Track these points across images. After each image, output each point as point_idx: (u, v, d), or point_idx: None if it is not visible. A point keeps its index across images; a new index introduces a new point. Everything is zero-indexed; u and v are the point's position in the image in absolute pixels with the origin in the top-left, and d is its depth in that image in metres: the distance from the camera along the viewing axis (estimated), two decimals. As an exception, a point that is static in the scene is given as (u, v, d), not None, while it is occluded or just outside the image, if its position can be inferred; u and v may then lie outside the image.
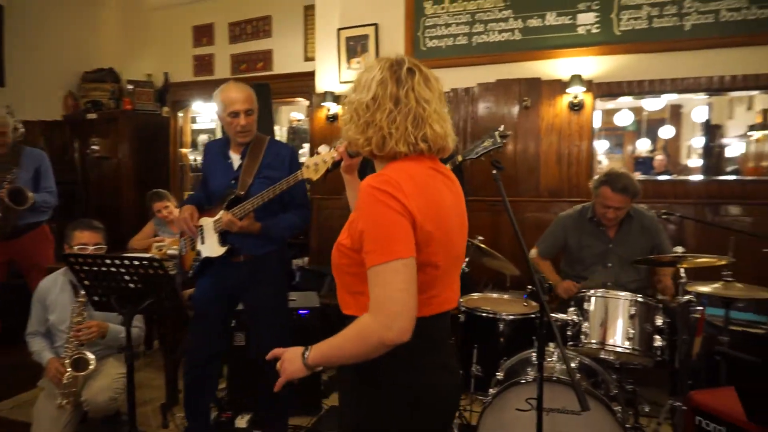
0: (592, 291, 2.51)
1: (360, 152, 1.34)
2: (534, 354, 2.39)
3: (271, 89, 4.29)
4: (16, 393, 3.38)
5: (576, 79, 3.74)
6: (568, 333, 2.48)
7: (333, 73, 4.55)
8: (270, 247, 2.51)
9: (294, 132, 6.47)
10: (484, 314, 2.69)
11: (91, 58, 6.14)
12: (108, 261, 2.11)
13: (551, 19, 3.89)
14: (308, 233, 4.57)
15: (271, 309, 2.54)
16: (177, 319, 3.09)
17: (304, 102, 5.43)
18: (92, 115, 5.87)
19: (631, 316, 2.40)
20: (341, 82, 4.52)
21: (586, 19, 3.80)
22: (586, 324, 2.45)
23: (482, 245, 2.83)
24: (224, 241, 2.46)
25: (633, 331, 2.39)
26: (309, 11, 5.43)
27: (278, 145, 2.63)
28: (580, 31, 3.83)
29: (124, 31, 6.33)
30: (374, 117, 1.24)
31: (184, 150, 6.00)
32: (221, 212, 2.42)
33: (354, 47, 4.42)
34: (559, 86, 3.88)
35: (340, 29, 4.45)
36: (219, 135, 6.18)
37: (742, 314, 3.04)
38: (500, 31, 4.03)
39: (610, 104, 5.09)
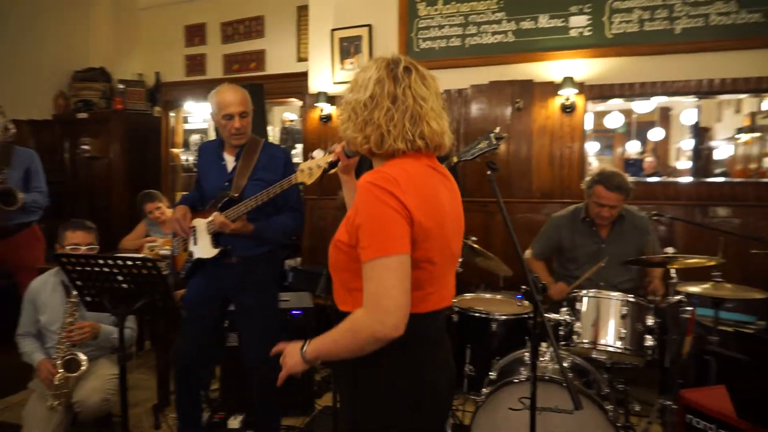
0: (584, 291, 2.54)
1: (358, 151, 1.35)
2: (526, 353, 2.41)
3: (264, 90, 4.28)
4: (7, 395, 3.35)
5: (568, 81, 3.77)
6: (561, 333, 2.50)
7: (326, 74, 4.55)
8: (263, 248, 2.50)
9: (287, 132, 6.46)
10: (477, 314, 2.71)
11: (82, 57, 6.09)
12: (101, 261, 2.10)
13: (544, 21, 3.92)
14: (301, 234, 4.57)
15: (263, 310, 2.53)
16: (170, 319, 3.07)
17: (297, 102, 5.43)
18: (83, 115, 5.82)
19: (623, 316, 2.43)
20: (335, 83, 4.52)
21: (579, 22, 3.84)
22: (578, 324, 2.47)
23: (475, 245, 2.85)
24: (217, 243, 2.46)
25: (624, 331, 2.42)
26: (302, 12, 5.44)
27: (273, 147, 2.63)
28: (573, 33, 3.86)
29: (116, 31, 6.29)
30: (372, 115, 1.25)
31: (175, 150, 5.97)
32: (214, 214, 2.42)
33: (347, 48, 4.43)
34: (551, 88, 3.91)
35: (333, 30, 4.46)
36: (211, 135, 6.17)
37: (730, 314, 3.08)
38: (493, 33, 4.05)
39: (601, 106, 5.14)
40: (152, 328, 3.75)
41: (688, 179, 5.45)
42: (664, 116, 7.25)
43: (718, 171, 6.19)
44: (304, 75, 4.77)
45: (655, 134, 7.16)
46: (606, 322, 2.46)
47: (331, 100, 4.50)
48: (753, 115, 5.61)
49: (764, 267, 3.09)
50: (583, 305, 2.50)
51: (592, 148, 4.22)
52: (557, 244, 3.05)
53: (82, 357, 2.52)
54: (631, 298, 2.48)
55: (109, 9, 6.26)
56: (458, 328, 2.75)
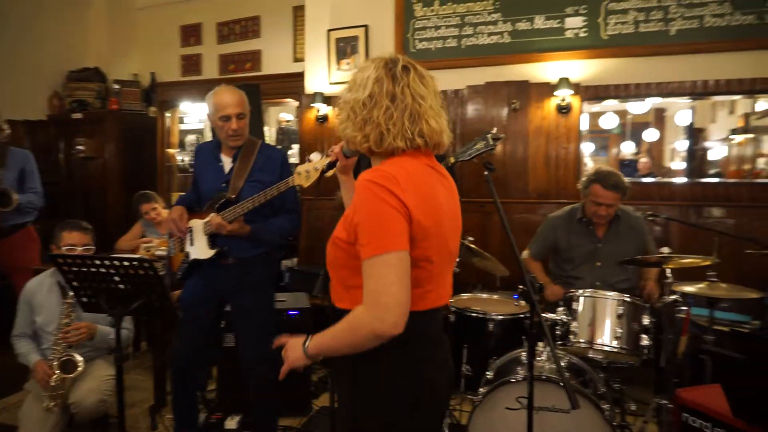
0: (580, 291, 2.55)
1: (358, 149, 1.35)
2: (523, 353, 2.42)
3: (261, 90, 4.28)
4: (3, 396, 3.33)
5: (564, 82, 3.78)
6: (557, 332, 2.51)
7: (323, 74, 4.56)
8: (259, 250, 2.50)
9: (283, 133, 6.46)
10: (474, 314, 2.71)
11: (77, 57, 6.06)
12: (97, 262, 2.09)
13: (540, 22, 3.94)
14: (298, 234, 4.57)
15: (260, 311, 2.53)
16: (167, 320, 3.07)
17: (293, 103, 5.42)
18: (78, 115, 5.79)
19: (619, 316, 2.44)
20: (331, 83, 4.52)
21: (574, 23, 3.85)
22: (574, 323, 2.49)
23: (472, 245, 2.85)
24: (213, 244, 2.46)
25: (621, 331, 2.43)
26: (298, 12, 5.43)
27: (270, 149, 2.63)
28: (568, 34, 3.88)
29: (111, 30, 6.26)
30: (371, 114, 1.26)
31: (171, 150, 5.96)
32: (211, 215, 2.42)
33: (344, 48, 4.43)
34: (547, 89, 3.92)
35: (329, 30, 4.46)
36: (207, 135, 6.15)
37: (725, 314, 3.10)
38: (489, 34, 4.07)
39: (596, 107, 5.16)
40: (149, 329, 3.74)
41: (682, 180, 5.48)
42: (659, 117, 7.28)
43: (712, 172, 6.23)
44: (300, 75, 4.77)
45: (650, 135, 7.19)
46: (602, 322, 2.47)
47: (328, 100, 4.50)
48: (747, 117, 5.65)
49: (758, 267, 3.11)
50: (580, 305, 2.52)
51: (587, 148, 4.23)
52: (553, 245, 3.06)
53: (79, 358, 2.51)
54: (627, 297, 2.49)
55: (104, 9, 6.23)
56: (455, 327, 2.75)
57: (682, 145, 6.84)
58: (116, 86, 5.97)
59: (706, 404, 1.92)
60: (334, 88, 4.51)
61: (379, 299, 1.15)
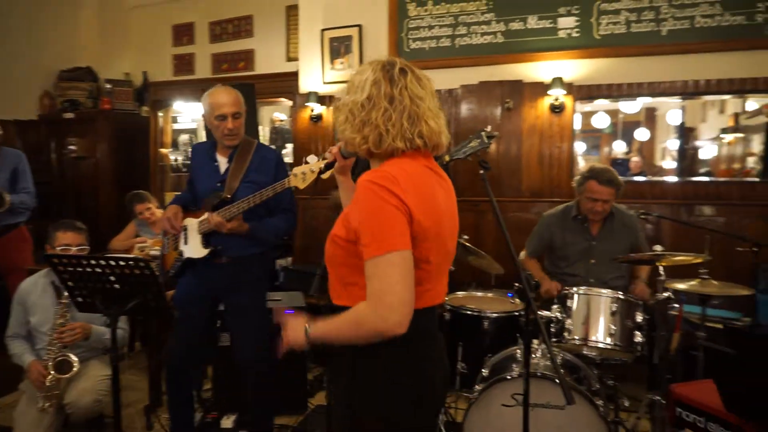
0: (575, 288, 2.57)
1: (357, 151, 1.36)
2: (518, 351, 2.44)
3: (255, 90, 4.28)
4: (-4, 397, 3.32)
5: (557, 81, 3.81)
6: (552, 330, 2.53)
7: (317, 74, 4.56)
8: (254, 249, 2.51)
9: (276, 132, 6.46)
10: (469, 312, 2.73)
11: (68, 56, 6.02)
12: (93, 262, 2.09)
13: (533, 22, 3.96)
14: (293, 233, 4.57)
15: (253, 311, 2.54)
16: (162, 320, 3.06)
17: (286, 102, 5.42)
18: (69, 115, 5.76)
19: (613, 313, 2.47)
20: (325, 83, 4.53)
21: (567, 23, 3.88)
22: (569, 321, 2.51)
23: (467, 244, 2.87)
24: (207, 243, 2.46)
25: (615, 328, 2.45)
26: (291, 11, 5.43)
27: (265, 149, 2.64)
28: (561, 34, 3.91)
29: (102, 30, 6.23)
30: (370, 116, 1.27)
31: (164, 150, 5.94)
32: (207, 214, 2.42)
33: (338, 48, 4.43)
34: (540, 88, 3.95)
35: (323, 30, 4.46)
36: (201, 135, 6.15)
37: (717, 311, 3.13)
38: (483, 34, 4.09)
39: (588, 107, 5.20)
40: (143, 329, 3.73)
41: (673, 179, 5.54)
42: (650, 116, 7.34)
43: (702, 170, 6.29)
44: (293, 75, 4.77)
45: (641, 134, 7.25)
46: (596, 319, 2.49)
47: (322, 99, 4.51)
48: (737, 116, 5.72)
49: (749, 264, 3.15)
50: (574, 302, 2.54)
51: (579, 148, 4.27)
52: (549, 243, 3.09)
53: (74, 358, 2.50)
54: (620, 295, 2.52)
55: (96, 8, 6.20)
56: (451, 326, 2.76)
57: (673, 144, 6.91)
58: (108, 86, 5.94)
59: (699, 399, 1.94)
60: (328, 88, 4.52)
61: (384, 298, 1.16)
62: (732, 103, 5.67)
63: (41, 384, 2.45)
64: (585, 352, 2.51)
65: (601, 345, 2.47)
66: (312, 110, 4.53)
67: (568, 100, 3.91)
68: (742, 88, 3.66)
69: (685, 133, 6.57)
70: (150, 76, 6.08)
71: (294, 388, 3.11)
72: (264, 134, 6.42)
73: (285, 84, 5.06)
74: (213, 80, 5.12)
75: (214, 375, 3.14)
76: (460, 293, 3.07)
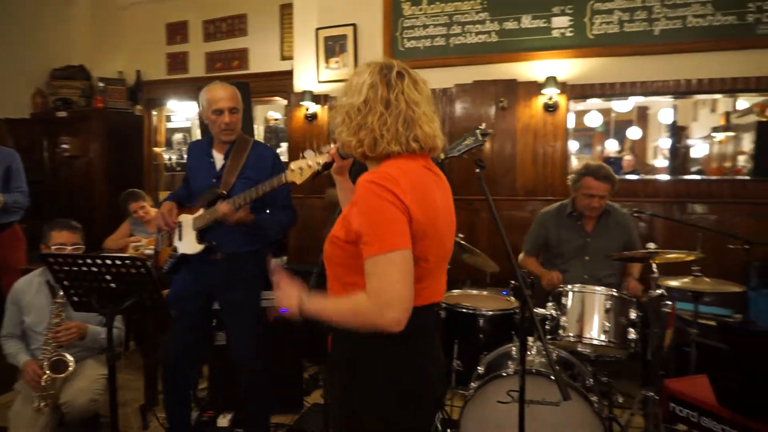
0: (569, 286, 2.59)
1: (352, 154, 1.37)
2: (513, 348, 2.46)
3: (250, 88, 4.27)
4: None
5: (551, 80, 3.83)
6: (547, 327, 2.55)
7: (311, 73, 4.56)
8: (249, 246, 2.51)
9: (271, 131, 6.44)
10: (464, 310, 2.74)
11: (61, 54, 5.99)
12: (89, 261, 2.08)
13: (527, 22, 3.98)
14: (288, 232, 4.57)
15: (247, 308, 2.54)
16: (158, 319, 3.06)
17: (280, 101, 5.42)
18: (62, 114, 5.73)
19: (607, 310, 2.49)
20: (320, 82, 4.53)
21: (561, 23, 3.91)
22: (564, 318, 2.53)
23: (462, 242, 2.89)
24: (202, 239, 2.46)
25: (609, 325, 2.48)
26: (285, 10, 5.43)
27: (261, 146, 2.65)
28: (555, 34, 3.93)
29: (95, 28, 6.20)
30: (366, 120, 1.28)
31: (158, 149, 5.91)
32: (201, 210, 2.42)
33: (332, 47, 4.44)
34: (534, 88, 3.97)
35: (318, 29, 4.46)
36: (195, 134, 6.12)
37: (709, 308, 3.17)
38: (477, 33, 4.10)
39: (580, 106, 5.23)
40: (137, 329, 3.72)
41: (665, 177, 5.58)
42: (642, 115, 7.40)
43: (694, 169, 6.35)
44: (287, 73, 4.77)
45: (633, 133, 7.31)
46: (591, 316, 2.51)
47: (317, 98, 4.51)
48: (728, 115, 5.77)
49: (740, 262, 3.18)
50: (569, 300, 2.56)
51: (572, 146, 4.30)
52: (545, 240, 3.11)
53: (70, 358, 2.49)
54: (614, 292, 2.54)
55: (89, 6, 6.17)
56: (446, 324, 2.78)
57: (665, 142, 6.96)
58: (101, 84, 5.91)
59: (692, 394, 1.97)
60: (323, 87, 4.52)
61: (384, 295, 1.17)
62: (723, 102, 5.73)
63: (36, 384, 2.45)
64: (579, 349, 2.53)
65: (595, 342, 2.49)
66: (307, 109, 4.53)
67: (561, 99, 3.93)
68: (733, 87, 3.69)
69: (677, 131, 6.63)
70: (143, 75, 6.06)
71: (290, 386, 3.12)
72: (259, 133, 6.40)
73: (279, 83, 5.05)
74: (207, 79, 5.09)
75: (210, 374, 3.13)
76: (456, 291, 3.09)
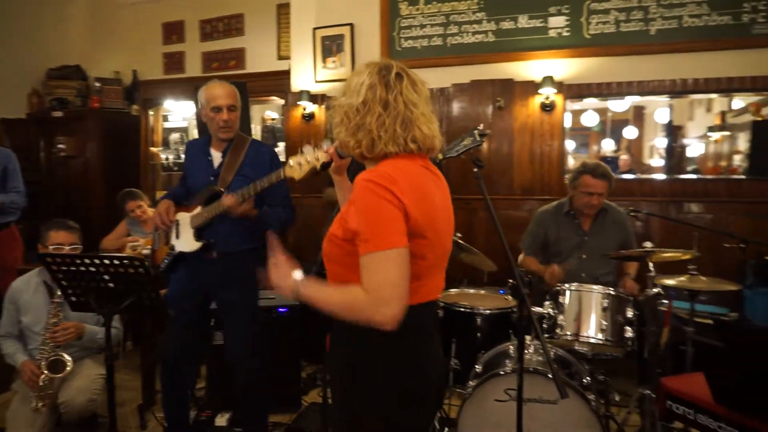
0: (566, 285, 2.60)
1: (350, 154, 1.38)
2: (511, 346, 2.47)
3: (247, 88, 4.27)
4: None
5: (548, 80, 3.84)
6: (544, 326, 2.56)
7: (309, 72, 4.56)
8: (245, 245, 2.51)
9: (268, 131, 6.44)
10: (462, 309, 2.75)
11: (56, 54, 5.97)
12: (87, 261, 2.08)
13: (523, 21, 4.00)
14: (286, 231, 4.57)
15: (244, 307, 2.54)
16: (156, 319, 3.06)
17: (277, 101, 5.42)
18: (58, 113, 5.71)
19: (604, 309, 2.50)
20: (317, 81, 4.53)
21: (557, 23, 3.92)
22: (561, 317, 2.54)
23: (460, 241, 2.89)
24: (200, 236, 2.46)
25: (606, 323, 2.49)
26: (282, 10, 5.42)
27: (259, 144, 2.65)
28: (552, 34, 3.94)
29: (91, 28, 6.18)
30: (364, 120, 1.29)
31: (155, 149, 5.90)
32: (199, 208, 2.43)
33: (329, 47, 4.44)
34: (531, 87, 3.98)
35: (315, 29, 4.46)
36: (192, 134, 6.11)
37: (705, 306, 3.19)
38: (474, 33, 4.11)
39: (577, 105, 5.25)
40: (135, 329, 3.72)
41: (661, 176, 5.61)
42: (638, 115, 7.42)
43: (690, 168, 6.38)
44: (285, 73, 4.77)
45: (630, 132, 7.33)
46: (588, 315, 2.52)
47: (314, 98, 4.51)
48: (723, 114, 5.80)
49: (736, 261, 3.20)
50: (566, 299, 2.57)
51: (569, 145, 4.32)
52: (543, 238, 3.12)
53: (68, 358, 2.50)
54: (611, 291, 2.55)
55: (85, 5, 6.15)
56: (444, 323, 2.78)
57: (661, 142, 6.98)
58: (97, 84, 5.89)
59: (688, 392, 1.99)
60: (320, 86, 4.52)
61: (380, 291, 1.17)
62: (719, 101, 5.76)
63: (34, 384, 2.45)
64: (576, 348, 2.54)
65: (592, 340, 2.50)
66: (304, 109, 4.53)
67: (558, 99, 3.94)
68: (729, 86, 3.72)
69: (673, 131, 6.65)
70: (140, 75, 6.04)
71: (288, 385, 3.12)
72: (256, 133, 6.40)
73: (276, 82, 5.06)
74: (204, 79, 5.09)
75: (208, 374, 3.14)
76: (453, 290, 3.09)
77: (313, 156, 1.78)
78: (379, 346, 1.26)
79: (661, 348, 2.55)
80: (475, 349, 2.64)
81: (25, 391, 2.51)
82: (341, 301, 1.24)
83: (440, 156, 2.55)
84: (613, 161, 6.70)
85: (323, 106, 4.52)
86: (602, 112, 7.08)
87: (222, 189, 2.43)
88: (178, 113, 6.30)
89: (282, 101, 5.06)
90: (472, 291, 3.10)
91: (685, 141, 6.67)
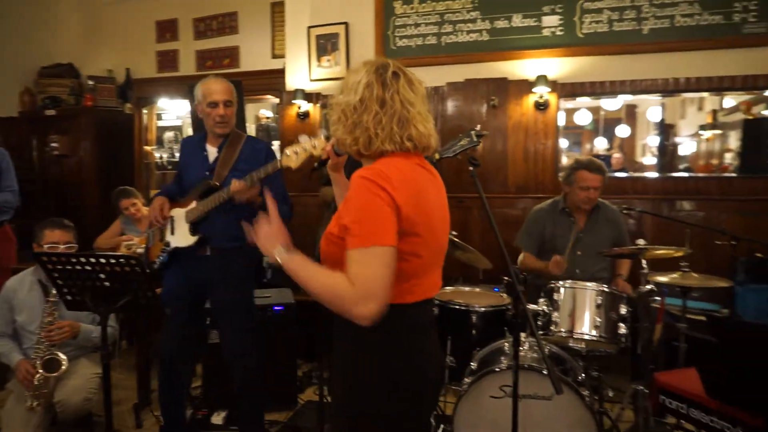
0: (561, 282, 2.63)
1: (347, 151, 1.39)
2: (506, 343, 2.48)
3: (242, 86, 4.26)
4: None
5: (541, 79, 3.86)
6: (539, 322, 2.58)
7: (303, 71, 4.56)
8: (239, 242, 2.51)
9: (262, 129, 6.43)
10: (456, 307, 2.76)
11: (49, 52, 5.93)
12: (83, 259, 2.08)
13: (517, 20, 4.01)
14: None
15: (239, 305, 2.55)
16: (152, 317, 3.05)
17: (272, 99, 5.41)
18: (51, 112, 5.67)
19: (598, 306, 2.52)
20: (312, 80, 4.53)
21: (551, 22, 3.94)
22: (555, 314, 2.56)
23: (455, 239, 2.91)
24: (195, 231, 2.47)
25: (600, 320, 2.51)
26: (276, 8, 5.41)
27: (255, 140, 2.68)
28: (545, 33, 3.96)
29: (84, 25, 6.14)
30: (361, 118, 1.30)
31: (148, 147, 5.88)
32: (194, 203, 2.43)
33: (324, 45, 4.44)
34: (525, 86, 4.00)
35: (310, 27, 4.46)
36: (186, 132, 6.09)
37: (697, 303, 3.22)
38: (468, 32, 4.13)
39: (570, 104, 5.27)
40: (130, 328, 3.71)
41: (654, 174, 5.64)
42: (631, 113, 7.46)
43: (682, 166, 6.42)
44: (279, 72, 4.76)
45: (622, 131, 7.37)
46: (582, 312, 2.54)
47: (309, 97, 4.51)
48: (715, 113, 5.84)
49: (727, 257, 3.24)
50: (561, 296, 2.59)
51: (562, 144, 4.34)
52: (540, 236, 3.14)
53: (63, 357, 2.49)
54: (605, 288, 2.57)
55: (77, 3, 6.11)
56: (439, 320, 2.79)
57: (654, 140, 7.03)
58: (90, 82, 5.86)
59: (681, 386, 2.01)
60: (315, 85, 4.52)
61: (365, 285, 1.17)
62: (710, 100, 5.80)
63: (29, 383, 2.44)
64: (571, 344, 2.57)
65: (586, 337, 2.52)
66: (299, 107, 4.53)
67: (552, 98, 3.97)
68: (720, 85, 3.75)
69: (665, 129, 6.70)
70: (133, 73, 6.01)
71: (284, 383, 3.13)
72: (251, 131, 6.39)
73: (271, 81, 5.05)
74: (198, 77, 5.08)
75: (204, 372, 3.14)
76: (448, 288, 3.10)
77: (310, 144, 1.79)
78: (376, 344, 1.27)
79: (654, 344, 2.58)
80: (470, 346, 2.66)
81: (21, 390, 2.50)
82: (325, 283, 1.23)
83: (437, 156, 2.57)
84: (605, 159, 6.73)
85: (318, 105, 4.52)
86: (595, 110, 7.11)
87: (217, 183, 2.44)
88: (172, 111, 6.28)
89: (277, 100, 5.06)
90: (467, 289, 3.12)
91: (677, 139, 6.71)
